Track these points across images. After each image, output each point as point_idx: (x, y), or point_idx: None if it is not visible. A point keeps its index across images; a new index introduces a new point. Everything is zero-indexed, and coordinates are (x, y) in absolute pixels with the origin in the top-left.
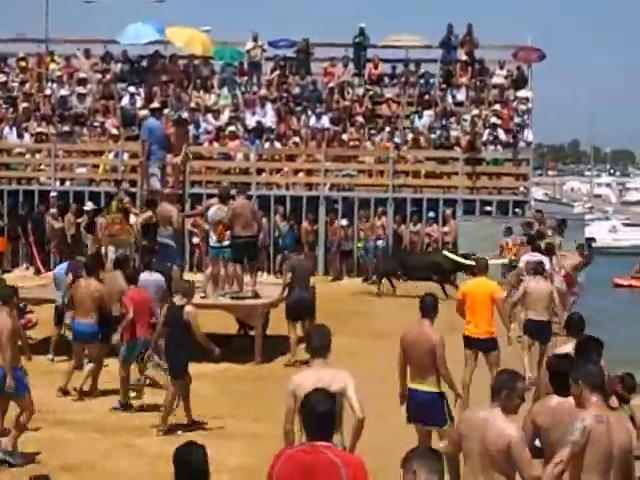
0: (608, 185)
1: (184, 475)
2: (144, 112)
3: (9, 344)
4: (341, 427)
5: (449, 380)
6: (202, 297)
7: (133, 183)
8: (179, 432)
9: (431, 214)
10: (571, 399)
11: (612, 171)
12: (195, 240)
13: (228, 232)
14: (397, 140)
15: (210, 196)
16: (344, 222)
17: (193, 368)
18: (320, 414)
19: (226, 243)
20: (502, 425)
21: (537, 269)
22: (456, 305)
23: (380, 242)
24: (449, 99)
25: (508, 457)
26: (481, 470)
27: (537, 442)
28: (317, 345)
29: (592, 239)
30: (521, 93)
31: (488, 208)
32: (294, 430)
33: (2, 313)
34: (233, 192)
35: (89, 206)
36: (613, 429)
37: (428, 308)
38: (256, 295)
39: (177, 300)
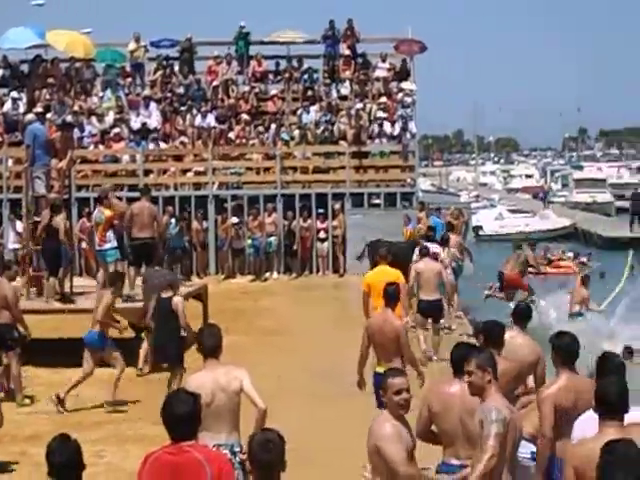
0: (493, 173)
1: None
2: (28, 117)
3: None
4: (238, 426)
5: (413, 360)
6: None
7: (18, 189)
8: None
9: (320, 210)
10: (462, 385)
11: (496, 159)
12: (83, 245)
13: (109, 233)
14: (285, 137)
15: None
16: (234, 220)
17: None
18: (181, 415)
19: (107, 246)
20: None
21: (422, 251)
22: (362, 296)
23: (272, 239)
24: (334, 94)
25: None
26: (461, 443)
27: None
28: (209, 346)
29: (479, 227)
30: (405, 85)
31: (376, 201)
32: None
33: None
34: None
35: None
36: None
37: (390, 297)
38: None
39: (164, 293)
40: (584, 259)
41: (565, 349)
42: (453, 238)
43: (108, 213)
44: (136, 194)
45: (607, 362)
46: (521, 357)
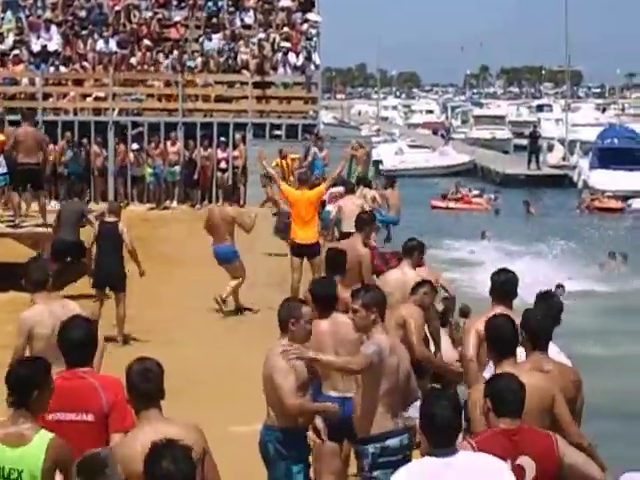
0: (394, 108)
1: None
2: None
3: None
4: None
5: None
6: None
7: None
8: None
9: (222, 139)
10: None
11: (398, 94)
12: None
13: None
14: (190, 64)
15: None
16: (134, 147)
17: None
18: (76, 340)
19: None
20: (271, 355)
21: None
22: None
23: (176, 168)
24: (237, 22)
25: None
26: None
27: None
28: (38, 279)
29: (379, 161)
30: (309, 16)
31: (278, 132)
32: None
33: None
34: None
35: None
36: (398, 354)
37: (360, 224)
38: (44, 225)
39: (108, 218)
40: (492, 196)
41: (499, 285)
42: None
43: (0, 138)
44: (35, 118)
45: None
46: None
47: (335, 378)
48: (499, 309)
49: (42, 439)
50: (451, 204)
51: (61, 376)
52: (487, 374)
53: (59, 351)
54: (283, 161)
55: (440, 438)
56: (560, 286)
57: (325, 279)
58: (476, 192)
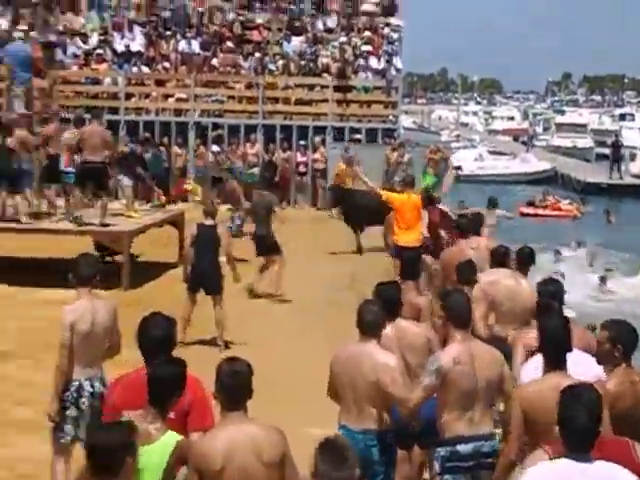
0: (475, 114)
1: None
2: (16, 34)
3: None
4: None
5: None
6: (58, 221)
7: None
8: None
9: (302, 142)
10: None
11: (479, 100)
12: None
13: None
14: (271, 66)
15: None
16: (215, 148)
17: (55, 295)
18: (156, 338)
19: (70, 169)
20: (379, 356)
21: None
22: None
23: (255, 170)
24: (319, 26)
25: (384, 388)
26: (357, 406)
27: None
28: (86, 275)
29: (459, 167)
30: (392, 20)
31: (357, 136)
32: (69, 362)
33: None
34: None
35: None
36: (477, 364)
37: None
38: (102, 224)
39: (207, 221)
40: (580, 203)
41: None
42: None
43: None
44: (117, 117)
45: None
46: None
47: None
48: (458, 336)
49: (168, 440)
50: (540, 211)
51: (138, 373)
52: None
53: (95, 348)
54: (347, 168)
55: (577, 442)
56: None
57: (391, 282)
58: (566, 200)
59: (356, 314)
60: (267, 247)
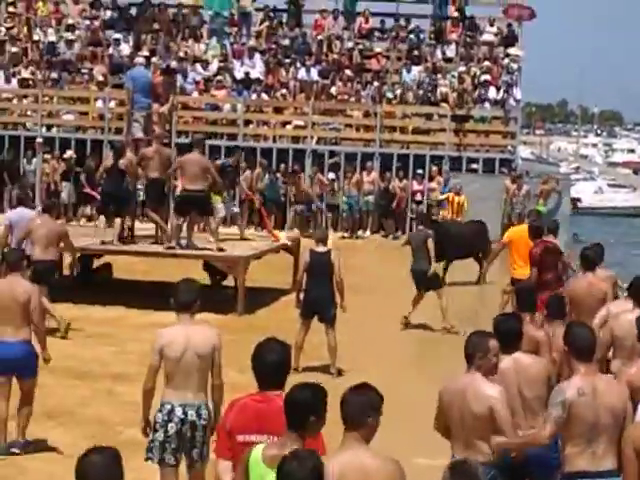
0: (594, 145)
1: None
2: (138, 60)
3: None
4: (206, 387)
5: None
6: (168, 247)
7: (119, 131)
8: None
9: (419, 171)
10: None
11: (599, 132)
12: None
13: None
14: (389, 95)
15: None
16: (331, 176)
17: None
18: (271, 363)
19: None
20: (484, 388)
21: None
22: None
23: (370, 198)
24: (438, 55)
25: (491, 421)
26: (463, 438)
27: None
28: (184, 301)
29: (578, 199)
30: (511, 51)
31: (474, 166)
32: (154, 388)
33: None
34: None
35: (68, 154)
36: (600, 397)
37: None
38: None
39: (317, 247)
40: None
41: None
42: None
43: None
44: (234, 143)
45: None
46: None
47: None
48: (582, 368)
49: None
50: None
51: (254, 399)
52: None
53: (190, 374)
54: (456, 197)
55: None
56: None
57: (510, 314)
58: None
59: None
60: (427, 281)
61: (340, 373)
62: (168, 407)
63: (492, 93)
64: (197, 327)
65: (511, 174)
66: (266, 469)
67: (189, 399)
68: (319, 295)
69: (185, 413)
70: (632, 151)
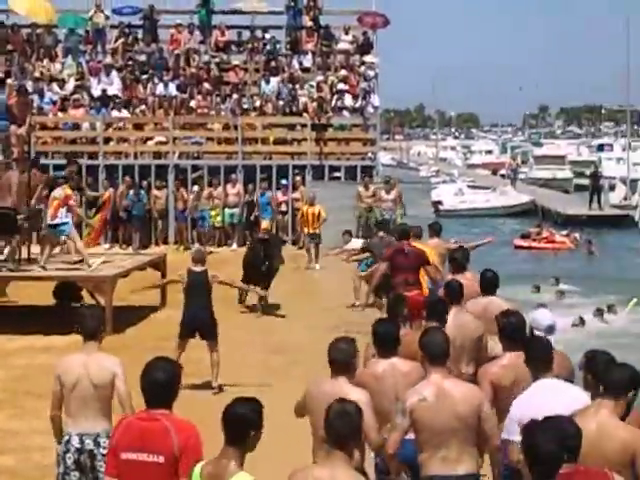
0: (453, 148)
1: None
2: None
3: None
4: (108, 415)
5: None
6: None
7: None
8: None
9: (283, 181)
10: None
11: (457, 134)
12: None
13: (62, 209)
14: (246, 107)
15: (57, 167)
16: (195, 188)
17: (43, 341)
18: (156, 382)
19: (57, 221)
20: (349, 393)
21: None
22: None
23: (235, 210)
24: (295, 65)
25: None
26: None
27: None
28: (90, 327)
29: (439, 202)
30: (367, 58)
31: (337, 174)
32: (60, 415)
33: None
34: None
35: None
36: (445, 401)
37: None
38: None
39: (195, 267)
40: (577, 235)
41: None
42: None
43: (68, 192)
44: (96, 162)
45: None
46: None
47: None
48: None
49: None
50: (534, 243)
51: (138, 417)
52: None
53: (87, 403)
54: (309, 209)
55: (543, 472)
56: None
57: (387, 319)
58: (563, 232)
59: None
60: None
61: (221, 389)
62: (66, 437)
63: (350, 101)
64: (96, 355)
65: (364, 180)
66: None
67: (86, 428)
68: (197, 315)
69: (82, 442)
70: (490, 152)
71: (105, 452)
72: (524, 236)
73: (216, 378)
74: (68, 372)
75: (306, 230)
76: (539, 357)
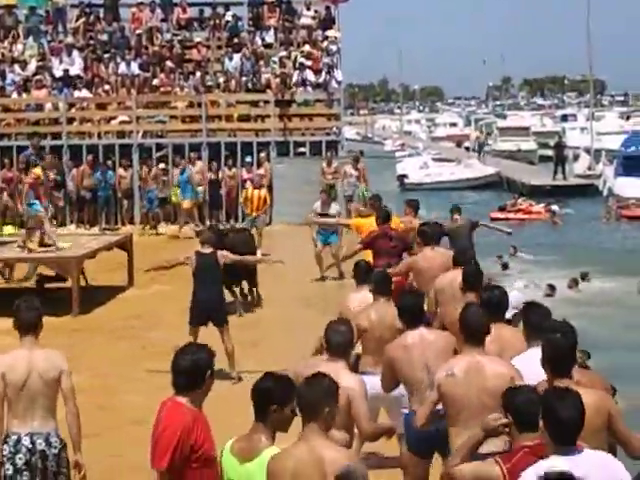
0: (417, 122)
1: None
2: None
3: None
4: (54, 413)
5: None
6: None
7: None
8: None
9: (248, 158)
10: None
11: (421, 108)
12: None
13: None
14: (210, 84)
15: (20, 148)
16: (161, 166)
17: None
18: (178, 369)
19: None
20: (344, 379)
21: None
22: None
23: (200, 188)
24: (258, 41)
25: (348, 410)
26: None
27: None
28: (28, 321)
29: (405, 175)
30: (329, 33)
31: (302, 149)
32: (3, 415)
33: None
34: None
35: None
36: (474, 377)
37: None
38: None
39: (203, 249)
40: (554, 207)
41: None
42: None
43: (36, 173)
44: (60, 142)
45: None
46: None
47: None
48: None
49: (268, 456)
50: (511, 215)
51: (168, 398)
52: None
53: (36, 401)
54: (255, 191)
55: (565, 437)
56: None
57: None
58: (541, 204)
59: (324, 335)
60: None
61: (240, 378)
62: (14, 438)
63: (313, 76)
64: (41, 350)
65: (327, 156)
66: (234, 460)
67: (36, 427)
68: (208, 301)
69: (33, 442)
70: (454, 124)
71: (56, 452)
72: (501, 208)
73: (233, 366)
74: (14, 370)
75: (247, 211)
76: (535, 324)
